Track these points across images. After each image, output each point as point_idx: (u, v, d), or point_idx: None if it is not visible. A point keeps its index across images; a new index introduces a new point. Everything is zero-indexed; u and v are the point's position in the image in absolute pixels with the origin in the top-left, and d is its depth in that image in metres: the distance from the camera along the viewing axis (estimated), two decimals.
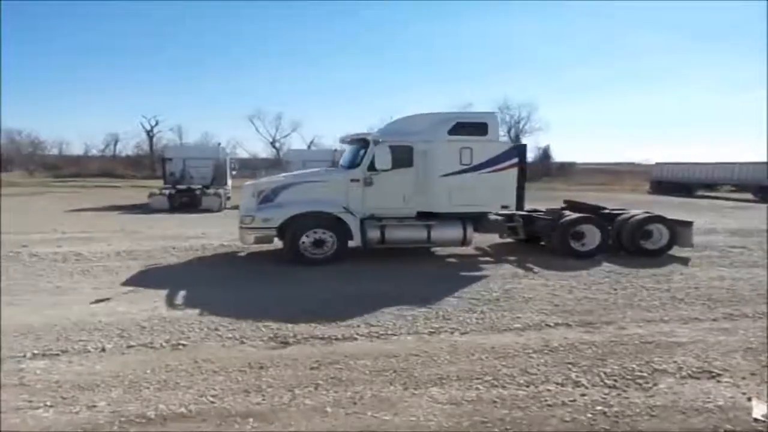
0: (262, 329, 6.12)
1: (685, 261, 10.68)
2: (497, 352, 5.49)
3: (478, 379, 4.82)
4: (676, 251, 11.26)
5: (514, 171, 10.73)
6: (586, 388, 4.66)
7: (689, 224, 11.43)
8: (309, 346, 5.65)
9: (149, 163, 59.39)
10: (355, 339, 5.90)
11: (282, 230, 9.91)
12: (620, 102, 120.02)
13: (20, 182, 41.76)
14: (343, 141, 13.16)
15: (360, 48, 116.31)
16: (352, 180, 10.24)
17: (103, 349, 5.44)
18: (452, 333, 6.13)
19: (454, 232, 10.50)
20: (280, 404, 4.30)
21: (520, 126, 64.19)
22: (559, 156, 66.98)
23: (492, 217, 10.99)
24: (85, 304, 7.16)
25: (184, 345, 5.60)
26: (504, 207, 10.87)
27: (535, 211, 12.22)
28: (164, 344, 5.61)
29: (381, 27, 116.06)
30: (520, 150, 11.16)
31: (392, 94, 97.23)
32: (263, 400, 4.37)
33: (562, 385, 4.72)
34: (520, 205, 11.10)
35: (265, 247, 11.00)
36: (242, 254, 11.31)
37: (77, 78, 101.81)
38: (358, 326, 6.29)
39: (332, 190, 10.24)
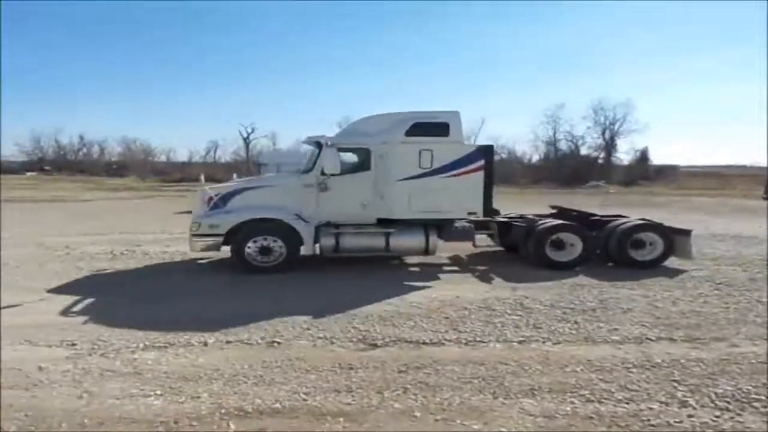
0: (351, 330, 6.26)
1: None
2: (593, 365, 5.24)
3: (572, 392, 4.62)
4: None
5: (480, 174, 9.85)
6: (694, 408, 4.32)
7: (687, 233, 10.15)
8: (397, 349, 5.69)
9: (245, 168, 62.46)
10: (443, 344, 5.87)
11: (230, 237, 9.46)
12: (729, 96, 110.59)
13: (135, 186, 45.63)
14: (304, 142, 12.13)
15: (450, 52, 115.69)
16: (305, 185, 9.71)
17: (205, 344, 5.80)
18: (544, 342, 5.93)
19: (415, 240, 9.83)
20: (370, 405, 4.36)
21: (615, 127, 60.64)
22: (659, 159, 62.67)
23: (459, 224, 10.23)
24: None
25: (278, 343, 5.85)
26: (470, 213, 9.99)
27: (521, 217, 11.31)
28: (260, 341, 5.89)
29: (468, 32, 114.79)
30: (486, 152, 10.17)
31: (480, 97, 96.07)
32: (353, 400, 4.45)
33: (667, 404, 4.41)
34: (488, 211, 10.16)
35: None
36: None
37: (183, 89, 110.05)
38: (446, 331, 6.26)
39: (285, 196, 9.76)
